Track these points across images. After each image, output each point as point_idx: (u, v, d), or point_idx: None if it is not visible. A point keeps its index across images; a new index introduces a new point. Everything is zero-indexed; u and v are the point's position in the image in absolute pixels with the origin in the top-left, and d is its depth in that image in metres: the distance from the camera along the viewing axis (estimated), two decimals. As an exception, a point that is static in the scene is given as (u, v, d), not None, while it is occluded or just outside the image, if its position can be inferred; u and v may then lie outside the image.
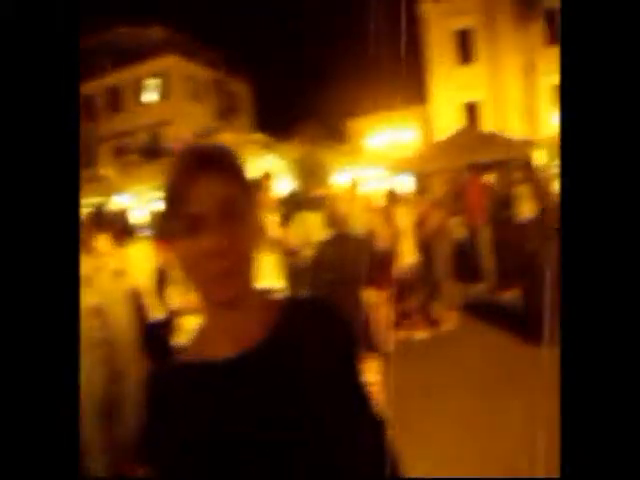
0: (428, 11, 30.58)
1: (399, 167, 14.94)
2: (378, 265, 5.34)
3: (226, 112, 38.63)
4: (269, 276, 4.20)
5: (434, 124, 30.13)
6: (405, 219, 7.64)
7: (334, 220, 4.72)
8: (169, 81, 35.70)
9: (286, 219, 6.25)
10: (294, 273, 4.73)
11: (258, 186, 5.80)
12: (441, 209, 8.57)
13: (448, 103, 30.07)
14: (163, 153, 27.85)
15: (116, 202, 15.84)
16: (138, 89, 36.63)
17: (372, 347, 4.56)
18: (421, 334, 7.63)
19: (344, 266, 4.58)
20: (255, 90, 43.68)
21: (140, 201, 16.31)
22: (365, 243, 5.00)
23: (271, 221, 5.45)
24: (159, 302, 5.12)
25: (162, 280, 5.28)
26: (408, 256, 7.51)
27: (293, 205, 6.90)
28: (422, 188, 11.13)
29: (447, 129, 26.26)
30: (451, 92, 29.99)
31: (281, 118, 34.92)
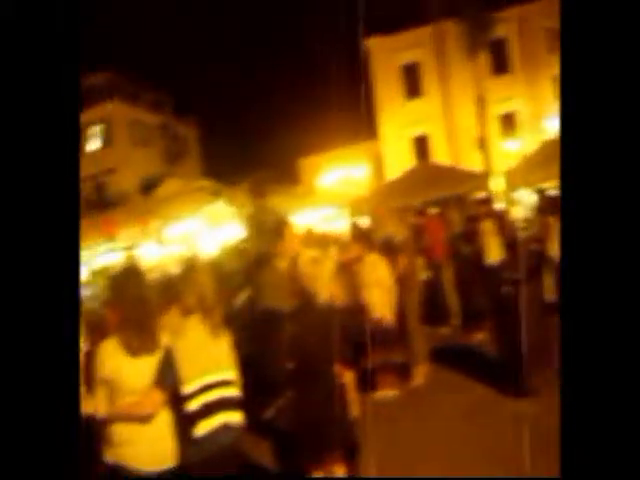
0: (374, 46, 30.60)
1: (355, 208, 14.44)
2: (351, 338, 4.63)
3: (173, 157, 37.78)
4: (218, 365, 3.48)
5: (385, 159, 29.95)
6: (379, 267, 7.01)
7: (297, 287, 4.07)
8: (112, 127, 34.84)
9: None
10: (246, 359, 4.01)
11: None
12: (406, 253, 7.98)
13: (398, 138, 29.99)
14: (108, 204, 26.84)
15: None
16: (81, 138, 35.62)
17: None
18: (391, 392, 6.96)
19: (311, 346, 3.91)
20: (203, 133, 43.04)
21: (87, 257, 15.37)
22: (335, 313, 4.27)
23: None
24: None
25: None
26: (382, 309, 6.86)
27: (245, 267, 6.16)
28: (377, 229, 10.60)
29: (398, 164, 26.02)
30: (401, 127, 29.91)
31: (230, 162, 34.31)
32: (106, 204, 26.69)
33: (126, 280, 3.58)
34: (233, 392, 3.48)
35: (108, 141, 35.05)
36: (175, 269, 7.90)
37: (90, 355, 4.98)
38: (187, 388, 3.31)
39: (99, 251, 15.38)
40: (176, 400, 3.33)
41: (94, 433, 3.50)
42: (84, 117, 34.80)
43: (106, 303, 7.94)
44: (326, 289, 4.24)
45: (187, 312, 3.52)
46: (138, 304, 3.42)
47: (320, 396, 3.88)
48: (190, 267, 3.79)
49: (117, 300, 3.54)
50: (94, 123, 35.10)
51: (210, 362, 3.42)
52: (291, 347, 3.97)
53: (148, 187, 27.88)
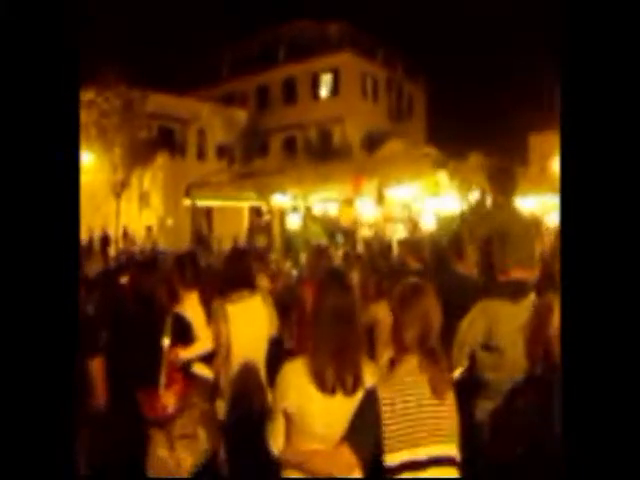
0: None
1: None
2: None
3: (399, 114, 37.52)
4: (438, 435, 2.43)
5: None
6: None
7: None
8: (343, 78, 35.22)
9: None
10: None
11: None
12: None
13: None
14: (332, 153, 27.26)
15: (275, 201, 15.22)
16: (312, 83, 36.52)
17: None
18: None
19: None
20: (431, 94, 42.16)
21: (301, 203, 15.60)
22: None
23: None
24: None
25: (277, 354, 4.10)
26: None
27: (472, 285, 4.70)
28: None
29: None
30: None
31: (454, 131, 33.09)
32: (329, 152, 27.15)
33: (335, 279, 2.64)
34: (452, 475, 2.44)
35: (338, 90, 35.52)
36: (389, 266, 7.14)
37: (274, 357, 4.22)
38: (390, 458, 2.36)
39: (315, 197, 15.55)
40: (374, 467, 2.41)
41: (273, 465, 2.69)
42: (317, 64, 35.57)
43: (302, 282, 6.70)
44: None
45: (402, 349, 2.53)
46: (341, 321, 2.52)
47: None
48: (415, 287, 2.60)
49: (316, 292, 2.65)
50: (325, 71, 35.76)
51: (427, 429, 2.41)
52: (521, 429, 3.00)
53: (372, 143, 27.93)
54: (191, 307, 4.22)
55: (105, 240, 24.59)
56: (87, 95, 25.61)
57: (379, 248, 12.31)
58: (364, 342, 2.69)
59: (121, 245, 24.63)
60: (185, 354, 3.96)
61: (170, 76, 38.47)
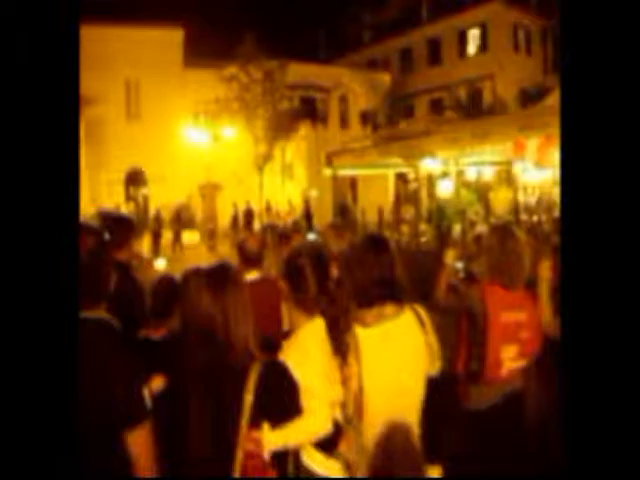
0: None
1: None
2: None
3: (556, 65, 34.35)
4: None
5: None
6: None
7: None
8: (492, 31, 32.65)
9: None
10: None
11: None
12: None
13: None
14: (482, 111, 25.31)
15: (424, 166, 13.86)
16: (458, 41, 34.28)
17: None
18: None
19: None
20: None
21: (452, 166, 14.14)
22: None
23: None
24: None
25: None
26: None
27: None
28: None
29: None
30: None
31: None
32: (480, 113, 25.20)
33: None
34: None
35: (487, 45, 33.05)
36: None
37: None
38: None
39: (468, 160, 14.10)
40: None
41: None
42: (462, 20, 33.25)
43: (472, 279, 4.64)
44: None
45: None
46: None
47: None
48: None
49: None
50: (472, 26, 33.45)
51: None
52: None
53: (527, 99, 25.66)
54: (308, 344, 2.38)
55: (249, 214, 24.39)
56: (228, 70, 25.51)
57: (548, 218, 10.64)
58: None
59: (265, 219, 24.32)
60: (275, 439, 2.14)
61: (310, 45, 37.77)
